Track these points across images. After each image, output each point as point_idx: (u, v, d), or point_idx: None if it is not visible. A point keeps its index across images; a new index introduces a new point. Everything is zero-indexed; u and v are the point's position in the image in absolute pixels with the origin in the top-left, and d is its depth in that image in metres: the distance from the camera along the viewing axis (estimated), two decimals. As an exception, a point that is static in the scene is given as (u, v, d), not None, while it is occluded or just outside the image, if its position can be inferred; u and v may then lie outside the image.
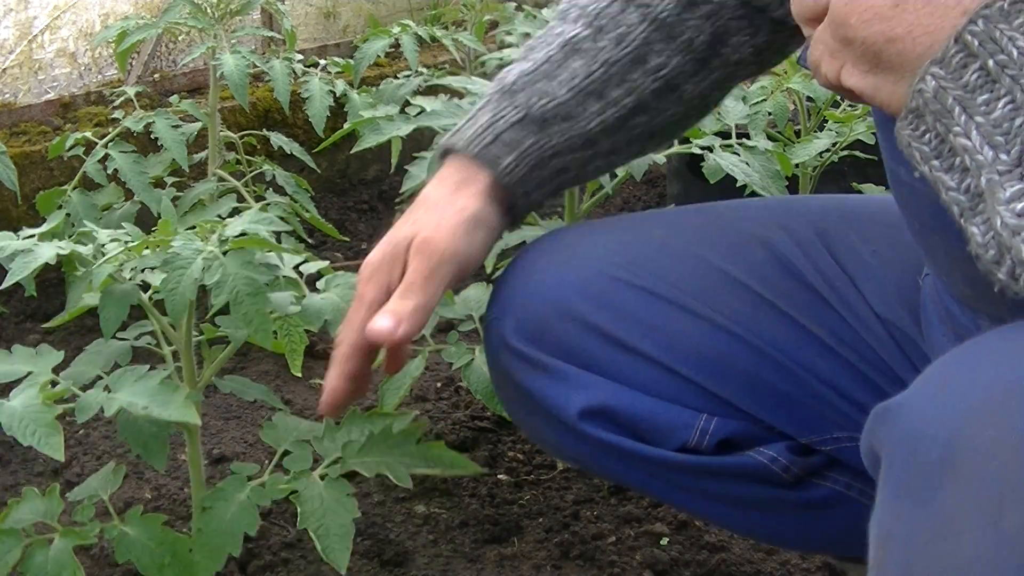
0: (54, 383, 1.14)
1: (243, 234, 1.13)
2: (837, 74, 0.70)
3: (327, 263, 1.27)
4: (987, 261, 0.61)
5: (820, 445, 1.05)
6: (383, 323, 0.99)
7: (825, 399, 1.04)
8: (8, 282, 1.11)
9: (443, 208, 1.03)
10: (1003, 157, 0.60)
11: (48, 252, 1.10)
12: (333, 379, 1.05)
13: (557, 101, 1.04)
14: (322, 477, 1.19)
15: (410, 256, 1.01)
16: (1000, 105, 0.60)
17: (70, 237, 1.17)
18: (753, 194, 1.93)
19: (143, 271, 1.17)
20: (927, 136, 0.64)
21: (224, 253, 1.11)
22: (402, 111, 1.66)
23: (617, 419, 1.04)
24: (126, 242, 1.15)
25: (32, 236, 1.16)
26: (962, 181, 0.62)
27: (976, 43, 0.61)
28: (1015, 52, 0.60)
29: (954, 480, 0.58)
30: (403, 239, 1.02)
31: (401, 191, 1.67)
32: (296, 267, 1.23)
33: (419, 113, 1.57)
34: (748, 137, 1.72)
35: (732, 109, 1.76)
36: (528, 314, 1.07)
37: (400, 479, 1.17)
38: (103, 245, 1.14)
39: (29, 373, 1.15)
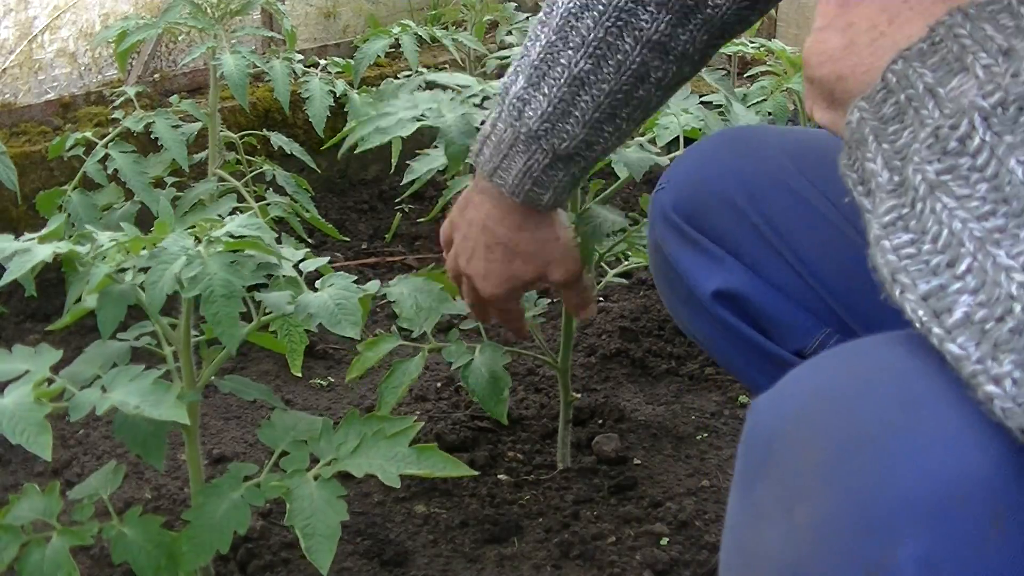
0: (50, 381, 1.14)
1: (230, 235, 1.13)
2: (811, 110, 0.78)
3: (326, 260, 1.27)
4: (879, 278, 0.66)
5: None
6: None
7: None
8: (5, 280, 1.11)
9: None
10: (895, 178, 0.65)
11: (45, 251, 1.10)
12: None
13: (577, 139, 1.16)
14: (316, 477, 1.19)
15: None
16: (905, 134, 0.65)
17: (70, 238, 1.17)
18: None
19: (142, 271, 1.17)
20: (855, 164, 0.69)
21: (211, 253, 1.11)
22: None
23: (747, 308, 1.12)
24: (123, 242, 1.15)
25: (32, 239, 1.16)
26: (872, 204, 0.67)
27: (894, 80, 0.66)
28: (920, 87, 0.65)
29: (766, 473, 0.64)
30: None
31: (402, 184, 1.68)
32: (296, 264, 1.23)
33: (421, 116, 1.58)
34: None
35: (742, 115, 1.76)
36: (691, 193, 1.17)
37: (389, 480, 1.17)
38: (101, 246, 1.14)
39: (27, 372, 1.15)
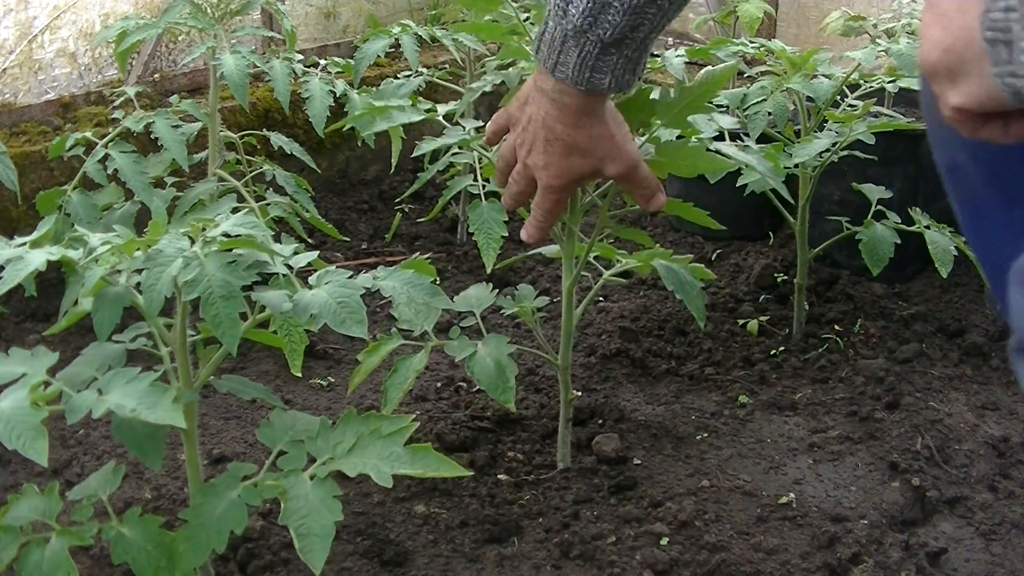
0: (47, 384, 1.14)
1: (226, 235, 1.13)
2: (947, 106, 0.85)
3: (316, 254, 1.26)
4: None
5: None
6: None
7: None
8: (1, 290, 1.11)
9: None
10: None
11: (38, 259, 1.10)
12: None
13: (620, 26, 1.22)
14: (312, 477, 1.18)
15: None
16: None
17: (67, 240, 1.16)
18: (752, 194, 1.94)
19: (138, 272, 1.16)
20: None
21: (208, 254, 1.11)
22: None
23: None
24: (117, 245, 1.14)
25: (24, 244, 1.16)
26: None
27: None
28: None
29: None
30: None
31: (413, 155, 1.68)
32: (286, 260, 1.22)
33: (428, 109, 1.58)
34: (740, 139, 1.72)
35: (720, 120, 1.77)
36: None
37: (382, 480, 1.17)
38: (94, 249, 1.14)
39: (23, 375, 1.14)
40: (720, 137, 1.66)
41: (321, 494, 1.16)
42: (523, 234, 1.44)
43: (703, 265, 1.75)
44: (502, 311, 1.71)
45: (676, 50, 2.13)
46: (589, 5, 1.23)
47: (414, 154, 1.72)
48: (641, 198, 1.41)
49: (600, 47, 1.26)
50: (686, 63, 2.08)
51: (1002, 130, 0.90)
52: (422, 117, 1.58)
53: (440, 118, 1.63)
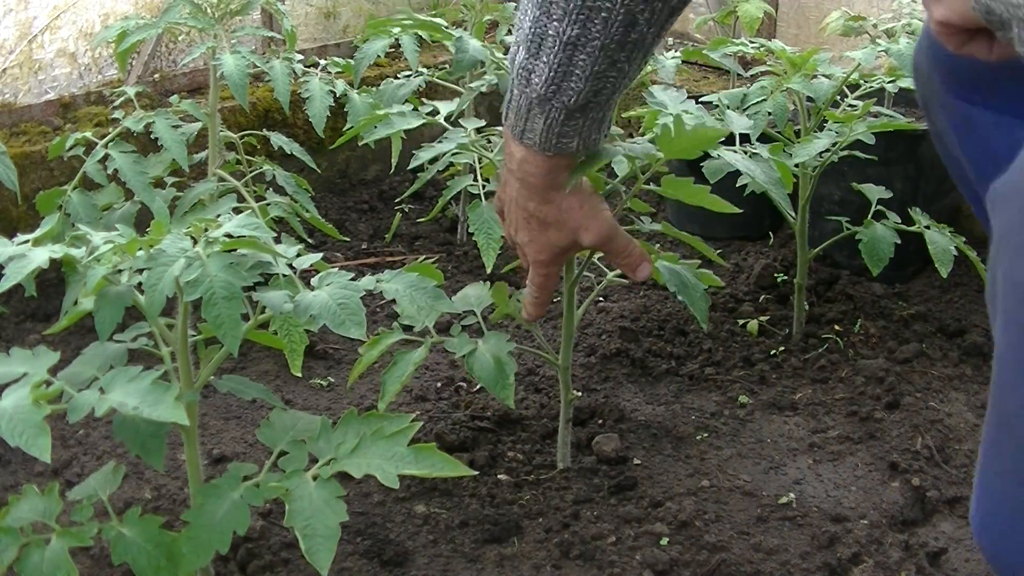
0: (49, 383, 1.14)
1: (229, 235, 1.13)
2: (934, 23, 0.89)
3: (320, 256, 1.26)
4: None
5: None
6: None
7: None
8: (2, 288, 1.11)
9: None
10: None
11: (41, 257, 1.10)
12: (535, 296, 1.45)
13: (583, 92, 1.23)
14: (315, 478, 1.18)
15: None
16: None
17: (67, 240, 1.16)
18: (753, 195, 1.94)
19: (139, 272, 1.16)
20: None
21: (210, 255, 1.11)
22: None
23: None
24: (119, 244, 1.15)
25: (26, 241, 1.16)
26: None
27: None
28: None
29: None
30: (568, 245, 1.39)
31: (409, 168, 1.68)
32: (290, 262, 1.22)
33: (429, 112, 1.58)
34: (749, 141, 1.72)
35: (736, 121, 1.76)
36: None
37: (388, 480, 1.17)
38: (96, 248, 1.14)
39: (25, 374, 1.15)
40: (730, 141, 1.66)
41: (325, 495, 1.16)
42: (523, 314, 1.50)
43: (705, 267, 1.75)
44: (502, 311, 1.71)
45: (673, 51, 2.13)
46: (551, 74, 1.24)
47: (411, 166, 1.71)
48: (625, 267, 1.44)
49: (565, 113, 1.27)
50: (685, 63, 2.08)
51: (987, 48, 0.92)
52: (422, 122, 1.57)
53: (441, 120, 1.63)
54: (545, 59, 1.24)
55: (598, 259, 1.70)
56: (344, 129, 1.86)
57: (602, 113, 1.29)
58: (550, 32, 1.21)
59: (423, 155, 1.65)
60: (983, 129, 1.11)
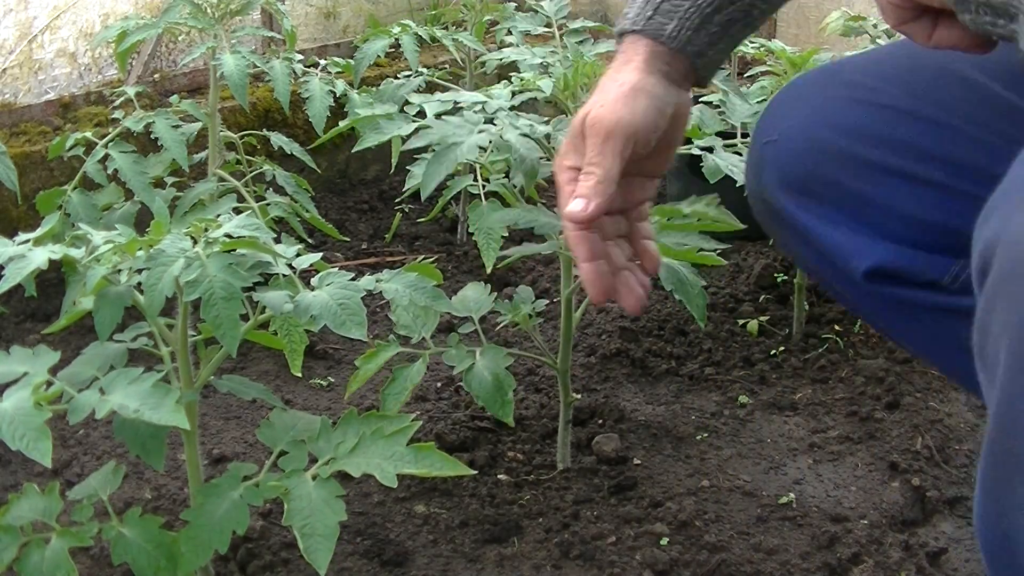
0: (49, 384, 1.14)
1: (229, 236, 1.13)
2: None
3: (319, 256, 1.26)
4: None
5: None
6: (574, 207, 1.08)
7: None
8: (2, 288, 1.11)
9: (607, 86, 1.12)
10: None
11: (41, 257, 1.10)
12: (582, 270, 1.11)
13: None
14: (314, 477, 1.18)
15: (585, 137, 1.10)
16: None
17: (67, 240, 1.16)
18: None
19: (139, 272, 1.17)
20: None
21: (209, 255, 1.11)
22: (401, 110, 1.65)
23: (888, 272, 1.10)
24: (119, 244, 1.15)
25: (27, 241, 1.16)
26: None
27: None
28: None
29: None
30: (578, 121, 1.11)
31: (404, 190, 1.67)
32: (289, 262, 1.22)
33: (418, 113, 1.57)
34: (749, 137, 1.72)
35: (739, 108, 1.75)
36: (804, 151, 1.12)
37: (387, 480, 1.17)
38: (96, 248, 1.14)
39: (25, 374, 1.15)
40: (728, 135, 1.66)
41: (324, 494, 1.16)
42: (576, 206, 1.10)
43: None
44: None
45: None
46: None
47: (409, 184, 1.71)
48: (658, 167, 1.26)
49: None
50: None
51: (926, 32, 0.90)
52: (413, 127, 1.57)
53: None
54: None
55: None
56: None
57: (721, 16, 1.12)
58: None
59: (418, 171, 1.64)
60: (819, 231, 1.12)
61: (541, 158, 1.45)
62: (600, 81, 1.15)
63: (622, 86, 1.10)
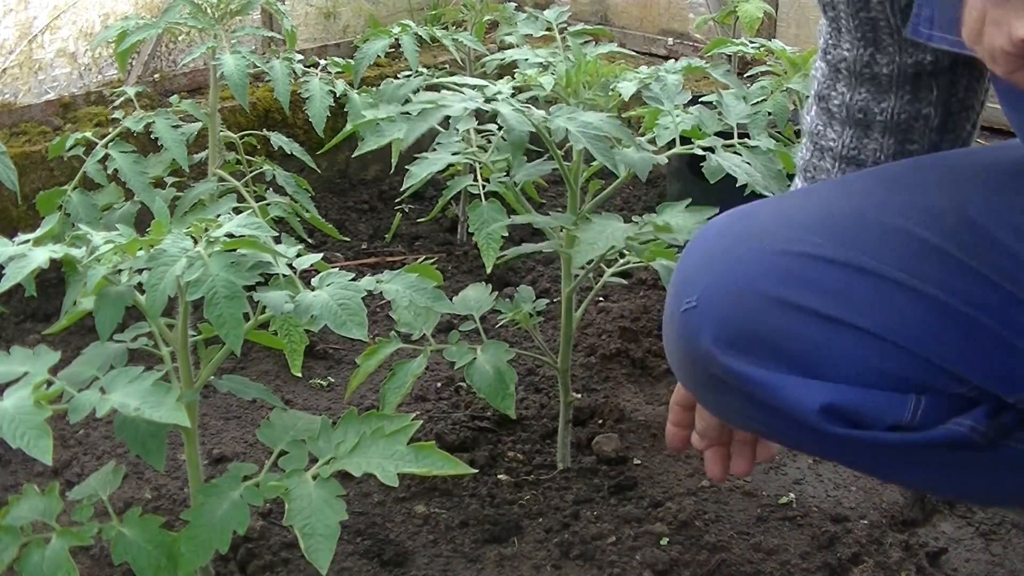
0: (49, 383, 1.14)
1: (230, 235, 1.13)
2: (1007, 34, 0.82)
3: (319, 255, 1.26)
4: None
5: None
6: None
7: None
8: (2, 287, 1.11)
9: None
10: None
11: (41, 257, 1.10)
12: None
13: None
14: (315, 477, 1.18)
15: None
16: None
17: (67, 240, 1.16)
18: (754, 195, 1.93)
19: (139, 272, 1.17)
20: None
21: (211, 254, 1.11)
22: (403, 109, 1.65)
23: (843, 413, 1.07)
24: (119, 244, 1.15)
25: (27, 241, 1.16)
26: None
27: None
28: None
29: None
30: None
31: (402, 190, 1.67)
32: (290, 262, 1.22)
33: (420, 112, 1.56)
34: (749, 137, 1.72)
35: (734, 108, 1.75)
36: (731, 307, 1.09)
37: (388, 479, 1.17)
38: (97, 248, 1.14)
39: (25, 373, 1.15)
40: (727, 135, 1.66)
41: (324, 494, 1.16)
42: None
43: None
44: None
45: (674, 63, 2.12)
46: None
47: (408, 183, 1.70)
48: None
49: None
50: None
51: None
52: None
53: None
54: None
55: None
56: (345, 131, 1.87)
57: None
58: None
59: (417, 171, 1.63)
60: (766, 381, 1.08)
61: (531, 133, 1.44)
62: None
63: None
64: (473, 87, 1.47)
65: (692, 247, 1.16)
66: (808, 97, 1.30)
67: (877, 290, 1.07)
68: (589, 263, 1.60)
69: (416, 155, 1.69)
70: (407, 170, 1.64)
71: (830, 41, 1.24)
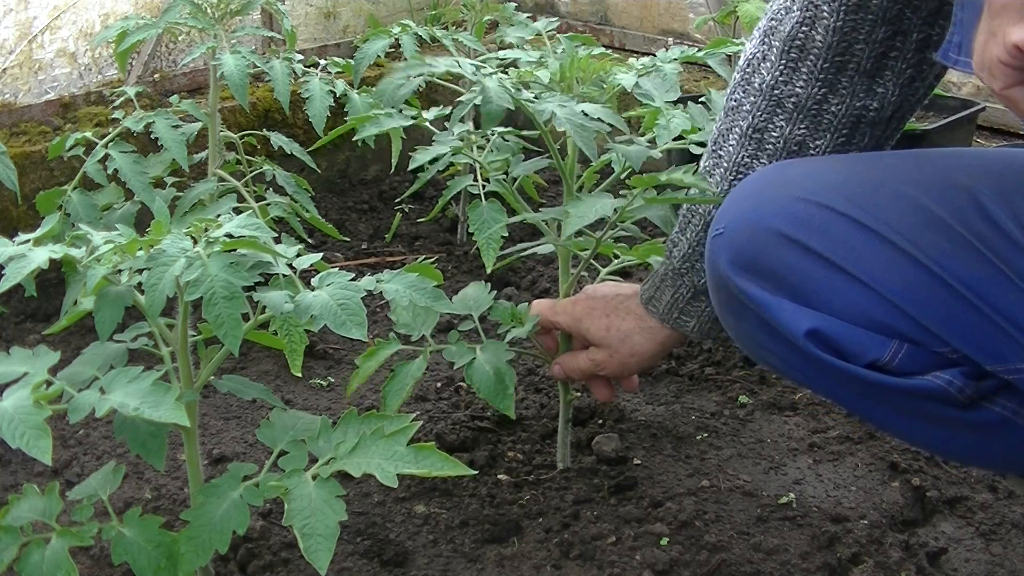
0: (49, 383, 1.14)
1: (230, 235, 1.13)
2: (1002, 46, 0.86)
3: (319, 255, 1.26)
4: None
5: (1004, 373, 1.17)
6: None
7: (1011, 333, 1.16)
8: (2, 287, 1.11)
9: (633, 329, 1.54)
10: None
11: (41, 257, 1.10)
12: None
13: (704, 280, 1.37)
14: (315, 477, 1.18)
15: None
16: None
17: (67, 240, 1.16)
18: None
19: (139, 272, 1.17)
20: None
21: (211, 255, 1.11)
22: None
23: (828, 341, 1.21)
24: (119, 244, 1.15)
25: (27, 241, 1.16)
26: None
27: None
28: None
29: None
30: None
31: (409, 170, 1.68)
32: (290, 262, 1.22)
33: (414, 116, 1.57)
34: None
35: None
36: (751, 236, 1.25)
37: (387, 480, 1.17)
38: (97, 248, 1.14)
39: (25, 374, 1.15)
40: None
41: (324, 494, 1.16)
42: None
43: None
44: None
45: (670, 51, 2.12)
46: (689, 251, 1.43)
47: (409, 167, 1.71)
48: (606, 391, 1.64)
49: (692, 293, 1.44)
50: (684, 63, 2.07)
51: None
52: (410, 123, 1.57)
53: (427, 124, 1.63)
54: (688, 236, 1.43)
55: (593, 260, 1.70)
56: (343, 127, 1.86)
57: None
58: (694, 220, 1.42)
59: (419, 157, 1.64)
60: (765, 301, 1.23)
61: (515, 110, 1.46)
62: (628, 304, 1.53)
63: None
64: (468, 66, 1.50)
65: (735, 189, 1.34)
66: (720, 118, 1.44)
67: (875, 247, 1.19)
68: (585, 261, 1.60)
69: (411, 152, 1.69)
70: (407, 170, 1.64)
71: (780, 78, 1.37)
